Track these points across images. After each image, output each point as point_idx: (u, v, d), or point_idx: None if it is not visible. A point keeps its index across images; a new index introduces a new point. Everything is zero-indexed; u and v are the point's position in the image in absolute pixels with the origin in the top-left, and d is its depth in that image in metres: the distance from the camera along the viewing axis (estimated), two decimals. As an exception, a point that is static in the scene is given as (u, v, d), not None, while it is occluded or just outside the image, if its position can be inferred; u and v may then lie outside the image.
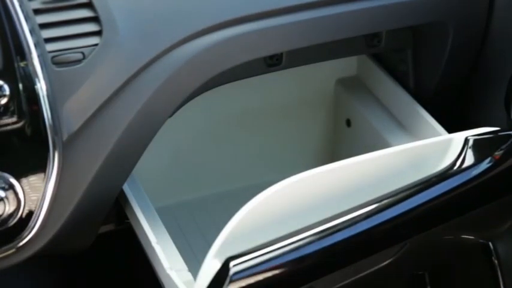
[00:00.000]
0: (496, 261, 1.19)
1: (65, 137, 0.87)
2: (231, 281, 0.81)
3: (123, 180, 0.98)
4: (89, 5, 0.90)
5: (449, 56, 1.15)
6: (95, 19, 0.90)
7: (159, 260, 0.93)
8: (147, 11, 0.93)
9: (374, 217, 0.90)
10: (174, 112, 0.97)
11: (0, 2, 0.83)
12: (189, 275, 0.94)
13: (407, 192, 0.93)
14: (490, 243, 1.19)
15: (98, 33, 0.89)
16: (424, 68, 1.19)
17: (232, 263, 0.81)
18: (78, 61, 0.88)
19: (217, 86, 1.03)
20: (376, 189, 0.92)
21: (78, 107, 0.88)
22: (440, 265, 1.27)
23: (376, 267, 0.98)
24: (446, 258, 1.21)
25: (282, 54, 1.07)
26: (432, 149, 0.98)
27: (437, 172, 0.96)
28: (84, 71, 0.88)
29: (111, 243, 1.20)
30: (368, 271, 0.98)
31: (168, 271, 0.94)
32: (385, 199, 0.91)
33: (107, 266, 1.43)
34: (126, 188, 1.04)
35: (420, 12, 1.09)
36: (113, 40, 0.89)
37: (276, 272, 0.84)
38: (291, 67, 1.10)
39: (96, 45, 0.89)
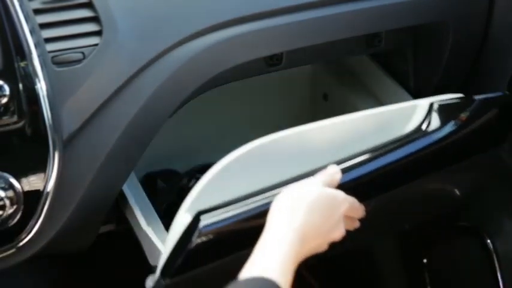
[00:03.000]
0: (495, 261, 1.19)
1: (65, 136, 0.87)
2: (201, 233, 0.85)
3: (123, 180, 0.98)
4: (89, 5, 0.90)
5: (450, 56, 1.15)
6: (95, 19, 0.90)
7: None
8: (147, 11, 0.93)
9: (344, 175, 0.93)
10: (174, 112, 0.97)
11: (1, 2, 0.83)
12: None
13: (372, 154, 0.96)
14: (490, 242, 1.19)
15: (98, 33, 0.89)
16: (425, 68, 1.19)
17: (202, 216, 0.85)
18: (78, 61, 0.88)
19: (217, 86, 1.03)
20: (342, 151, 0.95)
21: (78, 107, 0.88)
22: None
23: None
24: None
25: (282, 54, 1.07)
26: (398, 114, 1.01)
27: (402, 135, 0.99)
28: (84, 71, 0.88)
29: (111, 243, 1.20)
30: None
31: None
32: (351, 159, 0.95)
33: (107, 266, 1.43)
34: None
35: (420, 12, 1.09)
36: (113, 40, 0.89)
37: (243, 225, 0.88)
38: (291, 67, 1.10)
39: (96, 45, 0.89)
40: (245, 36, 0.97)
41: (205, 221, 0.85)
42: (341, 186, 0.89)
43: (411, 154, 0.99)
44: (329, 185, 0.88)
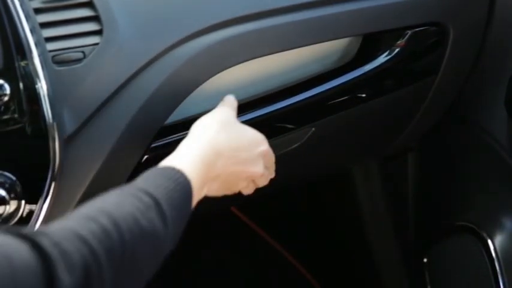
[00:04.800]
0: (495, 261, 1.19)
1: (65, 136, 0.87)
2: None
3: (123, 180, 0.98)
4: (90, 4, 0.90)
5: (450, 56, 1.15)
6: (96, 18, 0.90)
7: None
8: (147, 11, 0.93)
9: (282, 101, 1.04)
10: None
11: (1, 1, 0.83)
12: None
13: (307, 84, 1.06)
14: (490, 242, 1.19)
15: (98, 32, 0.89)
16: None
17: None
18: (79, 60, 0.88)
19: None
20: (277, 79, 1.05)
21: (79, 106, 0.88)
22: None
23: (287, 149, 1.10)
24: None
25: None
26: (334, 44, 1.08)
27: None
28: (84, 70, 0.88)
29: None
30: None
31: None
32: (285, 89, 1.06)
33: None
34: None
35: (420, 12, 1.09)
36: (113, 39, 0.89)
37: None
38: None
39: (96, 44, 0.89)
40: (245, 35, 0.97)
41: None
42: (279, 111, 1.02)
43: (347, 82, 1.09)
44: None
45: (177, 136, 0.98)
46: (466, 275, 1.27)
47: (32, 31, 0.84)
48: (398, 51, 1.10)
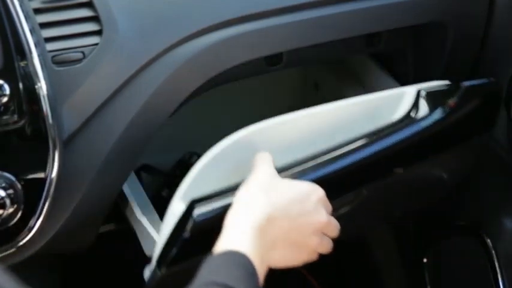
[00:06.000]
0: (495, 260, 1.19)
1: (65, 136, 0.87)
2: (195, 222, 0.84)
3: (123, 179, 0.98)
4: (89, 5, 0.90)
5: (450, 56, 1.15)
6: (95, 18, 0.90)
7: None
8: (147, 11, 0.93)
9: (331, 165, 0.94)
10: (174, 112, 0.97)
11: (1, 1, 0.83)
12: None
13: (361, 142, 0.96)
14: (490, 242, 1.19)
15: (98, 32, 0.89)
16: (425, 68, 1.19)
17: (196, 205, 0.85)
18: (78, 60, 0.88)
19: (217, 86, 1.03)
20: (331, 139, 0.96)
21: (78, 107, 0.88)
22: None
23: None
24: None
25: (282, 53, 1.07)
26: (386, 101, 1.02)
27: (391, 123, 1.00)
28: (84, 71, 0.88)
29: (111, 243, 1.20)
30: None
31: None
32: (339, 148, 0.95)
33: (107, 266, 1.43)
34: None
35: (420, 12, 1.09)
36: (113, 40, 0.89)
37: None
38: (291, 67, 1.10)
39: (96, 44, 0.89)
40: (245, 35, 0.97)
41: (199, 209, 0.84)
42: (332, 175, 0.92)
43: (400, 141, 0.99)
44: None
45: None
46: (466, 275, 1.27)
47: (31, 31, 0.84)
48: (453, 108, 1.04)
